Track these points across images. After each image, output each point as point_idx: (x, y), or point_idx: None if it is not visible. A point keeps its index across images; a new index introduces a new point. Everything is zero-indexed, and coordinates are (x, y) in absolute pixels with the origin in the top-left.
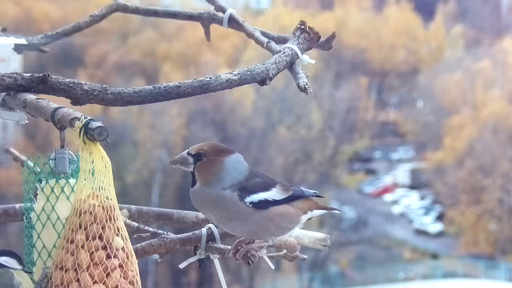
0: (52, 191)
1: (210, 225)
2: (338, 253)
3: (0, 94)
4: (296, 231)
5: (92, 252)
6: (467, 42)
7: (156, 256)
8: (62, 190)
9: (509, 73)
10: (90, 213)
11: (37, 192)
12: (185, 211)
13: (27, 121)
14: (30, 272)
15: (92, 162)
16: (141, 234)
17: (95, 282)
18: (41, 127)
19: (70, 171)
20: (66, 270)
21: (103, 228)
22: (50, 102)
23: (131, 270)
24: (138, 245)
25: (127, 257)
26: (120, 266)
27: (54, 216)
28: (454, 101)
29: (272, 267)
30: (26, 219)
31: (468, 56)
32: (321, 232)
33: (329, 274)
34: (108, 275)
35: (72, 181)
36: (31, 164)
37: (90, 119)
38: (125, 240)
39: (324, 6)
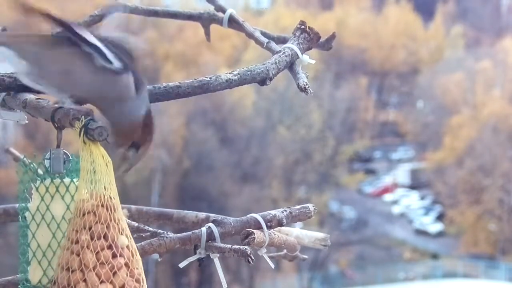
0: (47, 190)
1: (210, 224)
2: (338, 253)
3: (0, 94)
4: (296, 231)
5: (98, 252)
6: (467, 42)
7: (156, 255)
8: (57, 190)
9: (509, 73)
10: (94, 213)
11: (32, 191)
12: (185, 211)
13: (27, 121)
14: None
15: (93, 162)
16: (141, 234)
17: (102, 282)
18: (41, 127)
19: (64, 171)
20: (72, 271)
21: (107, 227)
22: (50, 102)
23: (137, 268)
24: (138, 244)
25: (132, 256)
26: (126, 264)
27: (48, 215)
28: (454, 101)
29: (272, 266)
30: (21, 219)
31: (468, 56)
32: (321, 232)
33: (329, 274)
34: (114, 274)
35: (66, 180)
36: (26, 163)
37: (90, 119)
38: (129, 238)
39: (324, 6)
